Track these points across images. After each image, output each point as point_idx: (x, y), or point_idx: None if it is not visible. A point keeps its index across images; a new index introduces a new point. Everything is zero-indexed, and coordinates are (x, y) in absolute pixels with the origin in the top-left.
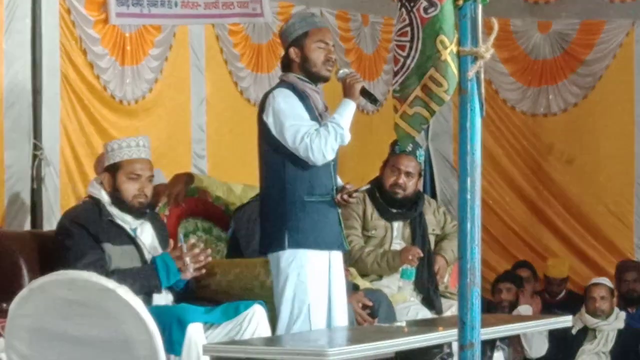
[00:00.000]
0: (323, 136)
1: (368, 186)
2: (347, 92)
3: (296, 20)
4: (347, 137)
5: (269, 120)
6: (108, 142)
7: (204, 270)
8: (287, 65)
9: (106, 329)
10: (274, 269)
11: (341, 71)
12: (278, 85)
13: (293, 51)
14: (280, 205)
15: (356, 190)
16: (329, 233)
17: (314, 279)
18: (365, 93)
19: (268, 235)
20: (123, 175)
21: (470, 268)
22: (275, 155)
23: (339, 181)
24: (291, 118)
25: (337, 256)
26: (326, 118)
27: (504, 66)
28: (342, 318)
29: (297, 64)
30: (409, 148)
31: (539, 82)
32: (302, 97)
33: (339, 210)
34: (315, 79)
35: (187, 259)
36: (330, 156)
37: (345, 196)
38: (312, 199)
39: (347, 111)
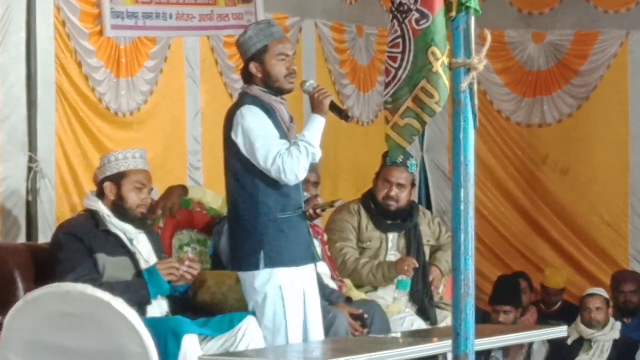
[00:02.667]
0: (295, 156)
1: (341, 201)
2: (316, 108)
3: (253, 33)
4: (318, 155)
5: (238, 140)
6: (109, 153)
7: (190, 277)
8: (248, 78)
9: (101, 341)
10: (248, 288)
11: (307, 84)
12: (244, 101)
13: (254, 66)
14: (254, 224)
15: (331, 205)
16: (302, 248)
17: (291, 295)
18: (334, 108)
19: (240, 255)
20: (129, 184)
21: (464, 279)
22: (247, 174)
23: (305, 193)
24: (262, 138)
25: (310, 269)
26: (292, 130)
27: (499, 77)
28: (317, 331)
29: (259, 79)
30: (400, 159)
31: (534, 93)
32: (269, 111)
33: (308, 223)
34: (279, 92)
35: (183, 268)
36: (303, 176)
37: (318, 210)
38: (286, 215)
39: (317, 128)
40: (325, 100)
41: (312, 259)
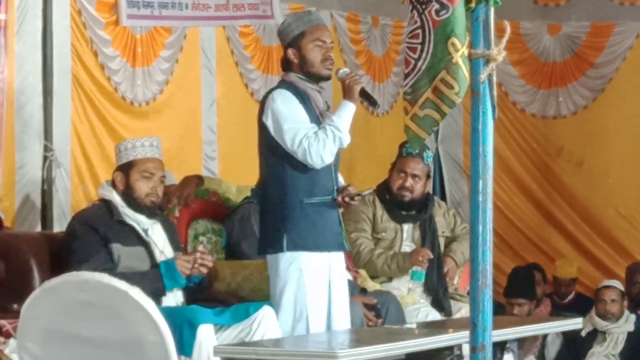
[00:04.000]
0: (321, 139)
1: (370, 190)
2: (347, 94)
3: (292, 20)
4: (346, 140)
5: (268, 122)
6: (120, 142)
7: (205, 270)
8: (287, 65)
9: (118, 330)
10: (272, 271)
11: (341, 71)
12: (278, 86)
13: (291, 52)
14: (280, 207)
15: (359, 194)
16: (328, 234)
17: (313, 281)
18: (364, 94)
19: (266, 237)
20: (136, 173)
21: (482, 270)
22: (275, 157)
23: (341, 181)
24: (290, 120)
25: (338, 257)
26: (327, 117)
27: (514, 69)
28: (342, 320)
29: (296, 65)
30: (416, 150)
31: (549, 84)
32: (303, 97)
33: (340, 211)
34: (315, 78)
35: (196, 263)
36: (329, 159)
37: (347, 198)
38: (312, 200)
39: (346, 113)
40: (356, 87)
41: (340, 246)
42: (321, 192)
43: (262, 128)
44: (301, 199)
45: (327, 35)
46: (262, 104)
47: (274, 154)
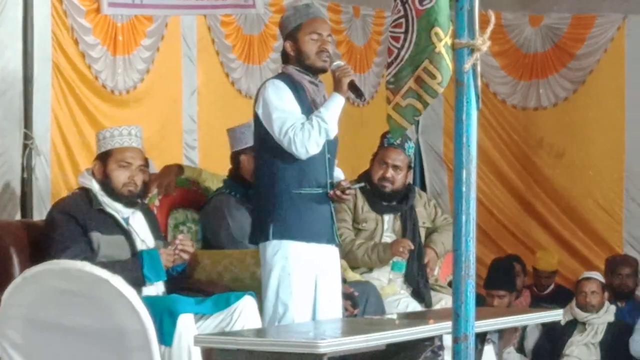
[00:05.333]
0: (307, 130)
1: (362, 184)
2: (336, 86)
3: (289, 13)
4: (333, 132)
5: (259, 111)
6: (100, 130)
7: (186, 256)
8: (285, 58)
9: (99, 318)
10: (262, 260)
11: (335, 63)
12: (275, 77)
13: (288, 45)
14: (269, 196)
15: (349, 187)
16: (316, 225)
17: (298, 270)
18: (352, 87)
19: (256, 226)
20: (114, 163)
21: (465, 260)
22: (266, 147)
23: (340, 175)
24: (279, 110)
25: (329, 249)
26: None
27: (495, 59)
28: (330, 312)
29: (293, 57)
30: (398, 141)
31: (530, 75)
32: (297, 88)
33: (333, 205)
34: (312, 70)
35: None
36: (314, 150)
37: (338, 192)
38: (302, 191)
39: (334, 105)
40: (345, 79)
41: (330, 239)
42: (311, 183)
43: (256, 118)
44: (290, 190)
45: (324, 28)
46: (257, 94)
47: (265, 144)
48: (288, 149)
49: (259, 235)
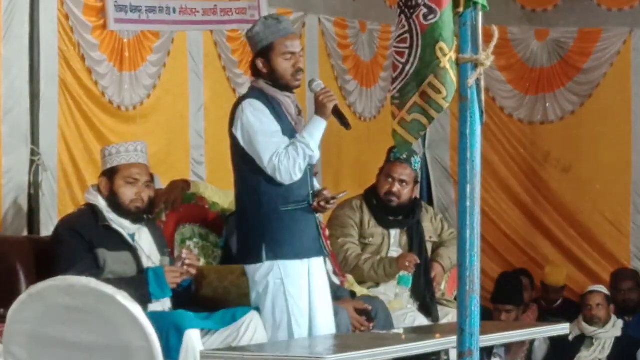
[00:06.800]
0: (292, 157)
1: (345, 193)
2: (319, 110)
3: (260, 29)
4: (316, 158)
5: (238, 134)
6: (105, 147)
7: (194, 271)
8: (256, 72)
9: (105, 335)
10: (252, 281)
11: (315, 83)
12: (248, 95)
13: (260, 62)
14: (256, 217)
15: (334, 197)
16: (306, 240)
17: (293, 288)
18: (337, 113)
19: (245, 247)
20: (120, 180)
21: (470, 275)
22: (248, 167)
23: (316, 185)
24: (260, 134)
25: (317, 262)
26: (300, 122)
27: (501, 74)
28: (325, 325)
29: (265, 74)
30: (404, 156)
31: (536, 90)
32: (274, 105)
33: (317, 216)
34: (285, 88)
35: (184, 267)
36: (298, 176)
37: (322, 202)
38: (288, 207)
39: (317, 130)
40: (329, 104)
41: (319, 252)
42: (296, 198)
43: (233, 139)
44: (277, 208)
45: (296, 45)
46: (232, 114)
47: (246, 164)
48: (272, 174)
49: (249, 257)
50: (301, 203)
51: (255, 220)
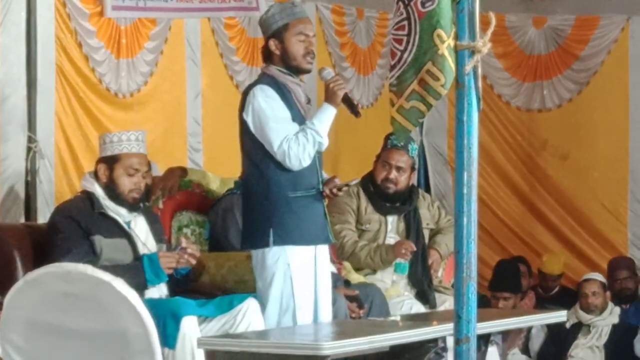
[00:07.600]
0: (301, 143)
1: (357, 180)
2: (329, 98)
3: (276, 11)
4: (325, 145)
5: (249, 119)
6: (105, 134)
7: (194, 261)
8: (267, 56)
9: (102, 321)
10: (258, 266)
11: (325, 72)
12: (259, 80)
13: (273, 43)
14: (265, 202)
15: (346, 185)
16: (314, 227)
17: (300, 274)
18: (347, 101)
19: (252, 232)
20: (121, 169)
21: (467, 262)
22: (258, 153)
23: (324, 174)
24: (271, 120)
25: (323, 250)
26: (309, 111)
27: (499, 61)
28: (327, 312)
29: (277, 56)
30: (401, 143)
31: (534, 77)
32: (284, 92)
33: (325, 203)
34: (296, 71)
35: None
36: (307, 162)
37: (334, 190)
38: (297, 194)
39: (326, 117)
40: (339, 92)
41: (326, 239)
42: (305, 185)
43: (243, 124)
44: (286, 193)
45: (310, 28)
46: (243, 99)
47: (256, 149)
48: (281, 160)
49: (256, 241)
50: (310, 190)
51: (264, 206)
